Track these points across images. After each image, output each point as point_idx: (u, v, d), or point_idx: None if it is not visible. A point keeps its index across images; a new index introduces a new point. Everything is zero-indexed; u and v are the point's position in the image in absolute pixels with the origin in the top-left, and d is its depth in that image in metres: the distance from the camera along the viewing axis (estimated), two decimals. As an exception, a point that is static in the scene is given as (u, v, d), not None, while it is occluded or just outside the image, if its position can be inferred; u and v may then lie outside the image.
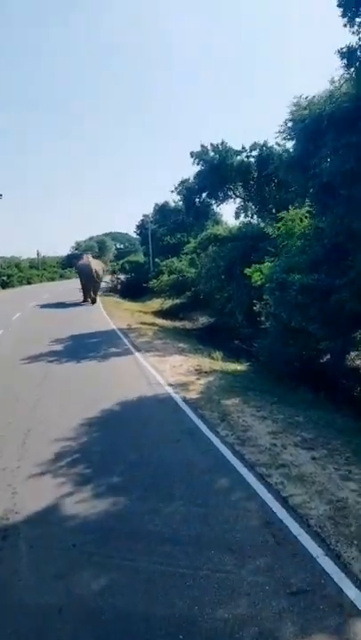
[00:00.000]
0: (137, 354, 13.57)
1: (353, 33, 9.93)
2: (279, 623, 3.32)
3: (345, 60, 10.08)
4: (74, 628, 3.38)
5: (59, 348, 14.91)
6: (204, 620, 3.37)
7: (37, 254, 71.70)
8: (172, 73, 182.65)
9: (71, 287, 39.05)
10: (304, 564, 3.96)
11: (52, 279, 66.52)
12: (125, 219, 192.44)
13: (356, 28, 9.91)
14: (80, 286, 31.69)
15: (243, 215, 23.36)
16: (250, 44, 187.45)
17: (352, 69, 10.23)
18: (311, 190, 10.61)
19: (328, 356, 12.42)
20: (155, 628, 3.31)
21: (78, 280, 32.62)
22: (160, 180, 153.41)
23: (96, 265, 31.12)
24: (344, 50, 9.73)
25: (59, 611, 3.54)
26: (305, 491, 5.22)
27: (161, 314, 28.49)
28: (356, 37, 9.87)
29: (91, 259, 32.52)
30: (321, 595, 3.60)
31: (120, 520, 4.73)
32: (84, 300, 30.48)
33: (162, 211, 44.73)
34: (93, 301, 29.87)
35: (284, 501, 4.99)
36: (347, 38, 10.08)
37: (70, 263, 61.94)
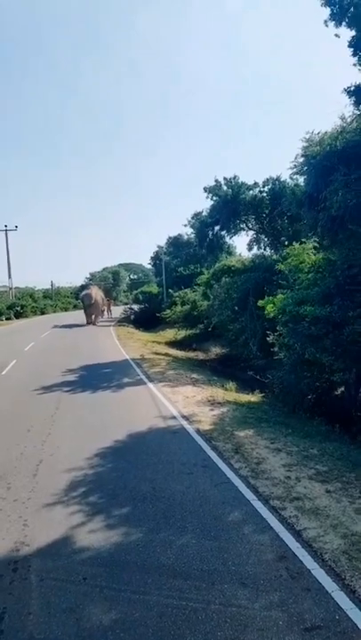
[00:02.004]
0: (150, 384, 13.61)
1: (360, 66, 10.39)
2: (293, 662, 3.25)
3: (353, 98, 10.49)
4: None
5: (71, 378, 15.03)
6: (217, 656, 3.31)
7: (51, 285, 73.16)
8: (190, 109, 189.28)
9: (83, 317, 39.62)
10: (318, 600, 3.87)
11: (66, 309, 67.47)
12: (140, 250, 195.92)
13: None
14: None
15: (255, 247, 23.76)
16: (264, 83, 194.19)
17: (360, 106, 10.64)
18: (321, 224, 10.80)
19: (342, 388, 12.29)
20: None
21: None
22: (175, 212, 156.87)
23: (95, 293, 38.59)
24: (352, 88, 10.15)
25: (72, 644, 3.52)
26: (319, 524, 5.14)
27: (174, 344, 28.59)
28: None
29: (93, 288, 39.96)
30: (336, 631, 3.52)
31: (131, 553, 4.69)
32: (87, 323, 37.21)
33: (175, 243, 45.71)
34: (94, 324, 37.61)
35: (298, 535, 4.92)
36: (356, 77, 10.55)
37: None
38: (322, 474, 6.62)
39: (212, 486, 6.23)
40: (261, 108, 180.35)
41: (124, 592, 4.08)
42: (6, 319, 46.99)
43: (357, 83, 9.97)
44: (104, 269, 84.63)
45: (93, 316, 38.59)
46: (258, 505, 5.62)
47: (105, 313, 46.25)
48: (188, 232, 35.65)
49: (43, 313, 59.84)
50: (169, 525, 5.20)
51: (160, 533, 5.03)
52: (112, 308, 48.90)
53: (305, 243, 13.94)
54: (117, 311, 49.14)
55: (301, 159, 11.93)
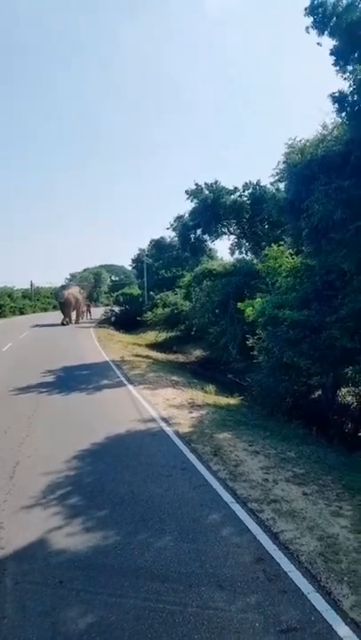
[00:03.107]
0: (130, 386, 13.55)
1: (345, 79, 10.60)
2: (269, 663, 3.28)
3: (337, 105, 10.68)
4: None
5: (50, 379, 14.86)
6: (193, 659, 3.32)
7: (31, 285, 72.20)
8: (172, 115, 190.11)
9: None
10: (295, 601, 3.92)
11: (45, 309, 66.66)
12: (122, 252, 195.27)
13: (347, 74, 10.59)
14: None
15: (237, 252, 23.99)
16: (244, 88, 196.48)
17: (343, 114, 10.83)
18: (305, 233, 10.92)
19: (320, 392, 12.50)
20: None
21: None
22: (159, 215, 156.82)
23: (71, 293, 39.95)
24: (336, 94, 10.33)
25: (44, 649, 3.47)
26: (296, 527, 5.21)
27: (155, 346, 28.55)
28: (348, 83, 10.53)
29: (73, 288, 41.51)
30: (311, 632, 3.57)
31: (109, 556, 4.66)
32: (62, 323, 38.32)
33: (158, 245, 45.70)
34: (75, 323, 39.71)
35: (275, 537, 4.97)
36: (338, 84, 10.75)
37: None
38: (299, 476, 6.71)
39: (190, 489, 6.25)
40: (248, 108, 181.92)
41: (101, 595, 4.06)
42: (-17, 319, 46.11)
43: (342, 89, 10.16)
44: (85, 270, 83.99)
45: (72, 316, 39.94)
46: (236, 507, 5.66)
47: (85, 314, 46.13)
48: (170, 235, 35.85)
49: (22, 313, 59.00)
50: (147, 528, 5.19)
51: (138, 536, 5.01)
52: (92, 309, 48.62)
53: (282, 245, 14.14)
54: (98, 312, 48.69)
55: (283, 166, 12.10)
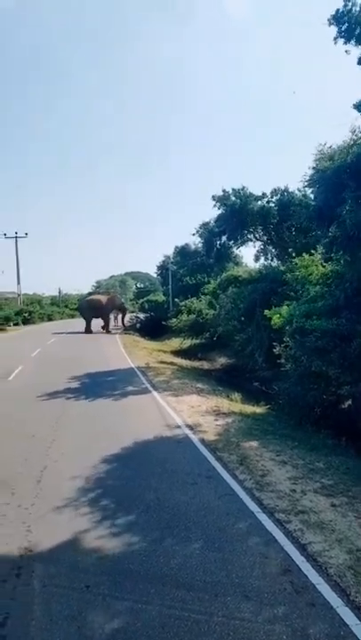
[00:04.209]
0: (155, 393, 13.60)
1: None
2: None
3: None
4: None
5: (76, 385, 15.06)
6: (219, 670, 3.28)
7: (59, 292, 73.82)
8: (194, 119, 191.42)
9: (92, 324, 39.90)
10: (323, 614, 3.83)
11: (72, 316, 67.89)
12: (147, 259, 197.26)
13: None
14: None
15: (263, 258, 23.82)
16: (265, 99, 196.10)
17: None
18: (338, 241, 10.72)
19: (350, 402, 12.21)
20: None
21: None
22: (183, 222, 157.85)
23: (95, 299, 40.24)
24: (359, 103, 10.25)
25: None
26: (324, 538, 5.09)
27: (180, 353, 28.60)
28: None
29: (96, 296, 41.87)
30: (340, 648, 3.47)
31: (135, 562, 4.66)
32: (85, 330, 37.99)
33: (182, 252, 45.94)
34: (108, 331, 38.93)
35: (303, 549, 4.87)
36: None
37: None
38: (327, 487, 6.56)
39: (216, 497, 6.20)
40: (265, 119, 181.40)
41: (127, 601, 4.06)
42: (14, 325, 47.26)
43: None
44: (111, 277, 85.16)
45: (101, 323, 39.56)
46: (263, 517, 5.57)
47: (117, 321, 46.38)
48: (195, 241, 35.92)
49: (50, 319, 60.17)
50: (173, 535, 5.17)
51: (164, 543, 5.00)
52: (118, 316, 48.84)
53: (313, 254, 13.96)
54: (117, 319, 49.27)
55: (312, 171, 11.97)
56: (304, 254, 14.15)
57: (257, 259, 24.15)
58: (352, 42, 10.84)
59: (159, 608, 3.94)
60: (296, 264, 13.81)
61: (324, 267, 13.33)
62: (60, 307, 69.32)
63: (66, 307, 71.66)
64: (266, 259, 23.53)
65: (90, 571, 4.55)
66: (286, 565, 4.56)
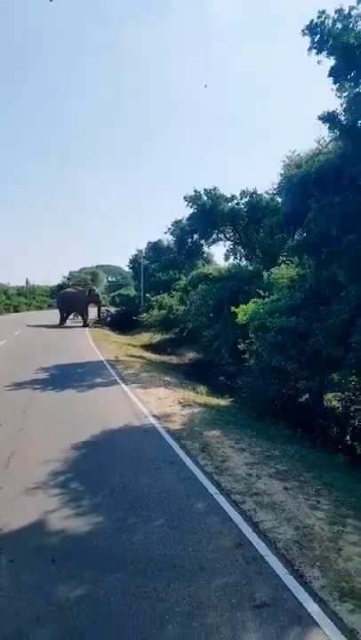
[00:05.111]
0: (123, 385, 13.87)
1: (338, 97, 11.08)
2: (242, 632, 3.62)
3: (328, 125, 11.13)
4: (49, 632, 3.61)
5: (44, 376, 15.13)
6: (175, 627, 3.65)
7: (26, 282, 72.26)
8: (170, 121, 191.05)
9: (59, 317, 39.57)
10: (269, 581, 4.27)
11: (40, 308, 66.63)
12: (119, 252, 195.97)
13: (342, 93, 11.07)
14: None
15: (232, 257, 24.42)
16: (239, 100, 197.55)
17: (336, 130, 11.26)
18: (300, 244, 11.28)
19: (307, 396, 12.87)
20: (127, 636, 3.58)
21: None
22: (155, 218, 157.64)
23: (73, 291, 39.53)
24: (325, 115, 10.78)
25: (37, 618, 3.79)
26: (275, 517, 5.55)
27: (149, 348, 28.87)
28: (341, 101, 11.00)
29: (73, 288, 40.91)
30: (283, 608, 3.91)
31: (99, 538, 4.98)
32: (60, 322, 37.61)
33: (155, 248, 46.10)
34: (61, 323, 37.82)
35: (255, 526, 5.31)
36: (333, 102, 11.21)
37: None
38: (281, 473, 7.06)
39: (178, 481, 6.59)
40: (240, 117, 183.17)
41: (91, 572, 4.38)
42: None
43: (332, 110, 10.61)
44: (81, 270, 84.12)
45: (75, 317, 39.51)
46: (220, 498, 6.00)
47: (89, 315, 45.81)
48: (168, 238, 36.23)
49: (16, 311, 59.02)
50: (135, 515, 5.52)
51: (126, 522, 5.35)
52: (90, 309, 48.32)
53: (285, 260, 14.59)
54: (92, 313, 48.97)
55: (280, 178, 12.51)
56: (283, 265, 14.72)
57: (227, 258, 24.82)
58: (324, 53, 11.34)
59: (121, 577, 4.29)
60: (272, 274, 14.45)
61: (292, 270, 13.94)
62: (27, 297, 67.88)
63: (34, 298, 70.26)
64: (235, 258, 24.20)
65: (56, 547, 4.84)
66: (239, 540, 4.99)
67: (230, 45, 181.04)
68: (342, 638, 3.60)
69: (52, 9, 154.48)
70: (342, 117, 10.64)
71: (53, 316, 41.91)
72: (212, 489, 6.31)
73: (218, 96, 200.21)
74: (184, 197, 23.07)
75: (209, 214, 22.11)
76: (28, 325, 36.22)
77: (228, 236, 23.72)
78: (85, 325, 37.85)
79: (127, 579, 4.27)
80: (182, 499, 6.00)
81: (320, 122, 10.70)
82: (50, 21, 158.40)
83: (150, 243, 48.72)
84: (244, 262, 23.54)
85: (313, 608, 3.92)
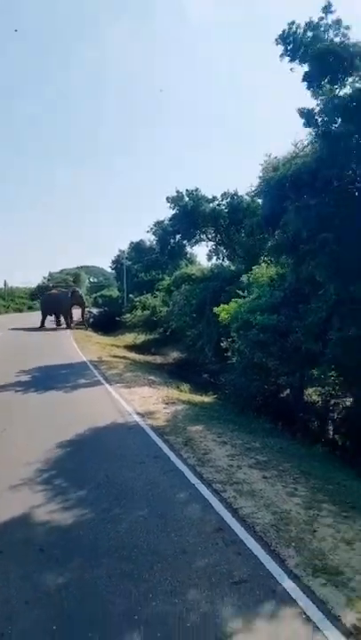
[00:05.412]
0: (107, 385, 14.02)
1: (314, 98, 11.51)
2: (221, 606, 3.87)
3: (304, 120, 11.52)
4: (38, 615, 3.80)
5: (27, 378, 15.17)
6: (158, 604, 3.88)
7: (5, 284, 70.47)
8: (157, 116, 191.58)
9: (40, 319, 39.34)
10: (247, 561, 4.53)
11: (20, 310, 64.67)
12: (101, 253, 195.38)
13: (318, 97, 11.50)
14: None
15: (215, 257, 24.76)
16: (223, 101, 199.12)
17: (312, 129, 11.65)
18: (279, 244, 11.64)
19: (288, 391, 13.23)
20: (113, 614, 3.79)
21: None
22: (138, 217, 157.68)
23: (57, 293, 38.68)
24: (305, 110, 11.17)
25: (25, 602, 3.97)
26: (254, 504, 5.83)
27: (133, 348, 29.00)
28: (317, 102, 11.43)
29: (57, 290, 39.87)
30: (259, 584, 4.18)
31: (85, 528, 5.19)
32: (41, 324, 36.85)
33: (137, 248, 46.21)
34: (42, 325, 36.83)
35: (235, 512, 5.58)
36: (309, 102, 11.62)
37: (40, 294, 62.03)
38: (261, 463, 7.35)
39: (161, 473, 6.82)
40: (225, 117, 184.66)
41: (78, 559, 4.59)
42: None
43: (311, 107, 11.05)
44: (62, 271, 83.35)
45: (59, 319, 38.43)
46: (202, 488, 6.26)
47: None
48: (150, 238, 36.43)
49: (-6, 314, 58.12)
50: (120, 506, 5.73)
51: (111, 512, 5.56)
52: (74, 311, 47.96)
53: (265, 260, 14.95)
54: (76, 314, 48.77)
55: (259, 181, 12.85)
56: (263, 264, 15.06)
57: (209, 258, 25.18)
58: (296, 61, 11.80)
59: (107, 562, 4.50)
60: (252, 271, 14.78)
61: (271, 269, 14.30)
62: (5, 300, 66.08)
63: (12, 300, 68.35)
64: (218, 258, 24.56)
65: (44, 538, 5.03)
66: (219, 525, 5.25)
67: (215, 46, 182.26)
68: (314, 608, 3.88)
69: (37, 9, 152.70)
70: (319, 119, 11.03)
71: (34, 318, 41.62)
72: (194, 479, 6.55)
73: (203, 96, 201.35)
74: (166, 198, 23.40)
75: (191, 215, 22.43)
76: (10, 329, 35.91)
77: (209, 236, 24.09)
78: (68, 327, 37.65)
79: (112, 564, 4.48)
80: (166, 489, 6.23)
81: (299, 116, 11.04)
82: (30, 21, 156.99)
83: (133, 243, 48.85)
84: (226, 262, 23.95)
85: (288, 584, 4.20)
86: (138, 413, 10.44)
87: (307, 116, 11.41)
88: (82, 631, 3.59)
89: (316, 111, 11.33)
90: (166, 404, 11.67)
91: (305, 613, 3.81)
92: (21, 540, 4.98)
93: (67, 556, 4.67)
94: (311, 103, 11.59)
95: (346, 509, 5.85)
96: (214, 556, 4.61)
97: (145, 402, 11.77)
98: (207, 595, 4.01)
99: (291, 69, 11.58)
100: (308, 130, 11.84)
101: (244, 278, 15.95)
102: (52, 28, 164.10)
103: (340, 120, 10.35)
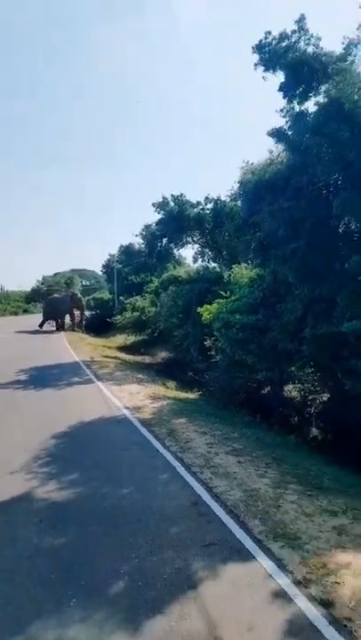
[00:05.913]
0: (98, 382, 14.71)
1: (282, 117, 12.30)
2: (193, 562, 4.60)
3: (275, 138, 12.29)
4: (39, 569, 4.51)
5: (23, 377, 15.81)
6: (139, 561, 4.60)
7: (1, 288, 71.26)
8: (141, 121, 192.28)
9: (35, 322, 39.91)
10: (217, 528, 5.27)
11: (15, 313, 65.81)
12: (93, 256, 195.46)
13: (284, 113, 12.28)
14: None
15: (200, 260, 25.53)
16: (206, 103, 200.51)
17: (283, 144, 12.41)
18: (253, 247, 12.43)
19: (269, 388, 14.01)
20: (101, 568, 4.50)
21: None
22: (129, 220, 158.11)
23: (58, 297, 40.01)
24: (273, 131, 11.94)
25: (29, 557, 4.70)
26: (227, 483, 6.57)
27: (124, 349, 29.65)
28: (284, 120, 12.20)
29: (58, 294, 40.93)
30: (227, 546, 4.92)
31: (78, 501, 5.93)
32: (39, 325, 38.50)
33: (127, 251, 46.85)
34: (41, 327, 38.40)
35: (210, 490, 6.33)
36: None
37: (35, 297, 62.62)
38: (237, 450, 8.11)
39: (146, 458, 7.58)
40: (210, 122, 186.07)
41: (72, 526, 5.31)
42: None
43: (279, 126, 11.81)
44: (56, 274, 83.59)
45: (59, 322, 39.23)
46: (181, 470, 7.01)
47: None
48: (139, 242, 37.11)
49: (-10, 317, 58.45)
50: (109, 485, 6.47)
51: (102, 490, 6.29)
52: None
53: (245, 261, 15.73)
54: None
55: (237, 185, 13.59)
56: (241, 264, 15.84)
57: (195, 260, 25.95)
58: (270, 70, 12.54)
59: (95, 530, 5.23)
60: (232, 271, 15.54)
61: (251, 270, 15.08)
62: (2, 303, 66.89)
63: (8, 304, 69.12)
64: (203, 260, 25.35)
65: (42, 512, 5.72)
66: (195, 500, 5.99)
67: (202, 49, 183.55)
68: (271, 564, 4.62)
69: (24, 8, 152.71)
70: (289, 133, 11.80)
71: (30, 321, 42.14)
72: (175, 463, 7.30)
73: (189, 98, 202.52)
74: (152, 204, 24.15)
75: (177, 219, 23.22)
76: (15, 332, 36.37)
77: (195, 239, 24.87)
78: (62, 329, 38.31)
79: (101, 531, 5.21)
80: (149, 470, 6.98)
81: (270, 137, 11.79)
82: (19, 21, 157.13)
83: (122, 246, 49.51)
84: (212, 264, 24.76)
85: (251, 545, 4.94)
86: (126, 408, 11.14)
87: (277, 134, 12.14)
88: (76, 579, 4.31)
89: (285, 127, 12.08)
90: (153, 399, 12.38)
91: (263, 567, 4.55)
92: (23, 514, 5.67)
93: (62, 524, 5.38)
94: (281, 122, 12.36)
95: (310, 489, 6.62)
96: (189, 524, 5.35)
97: (133, 398, 12.47)
98: (181, 554, 4.73)
99: (263, 77, 12.32)
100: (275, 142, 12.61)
101: (225, 275, 16.68)
102: (42, 27, 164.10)
103: (307, 135, 11.05)
